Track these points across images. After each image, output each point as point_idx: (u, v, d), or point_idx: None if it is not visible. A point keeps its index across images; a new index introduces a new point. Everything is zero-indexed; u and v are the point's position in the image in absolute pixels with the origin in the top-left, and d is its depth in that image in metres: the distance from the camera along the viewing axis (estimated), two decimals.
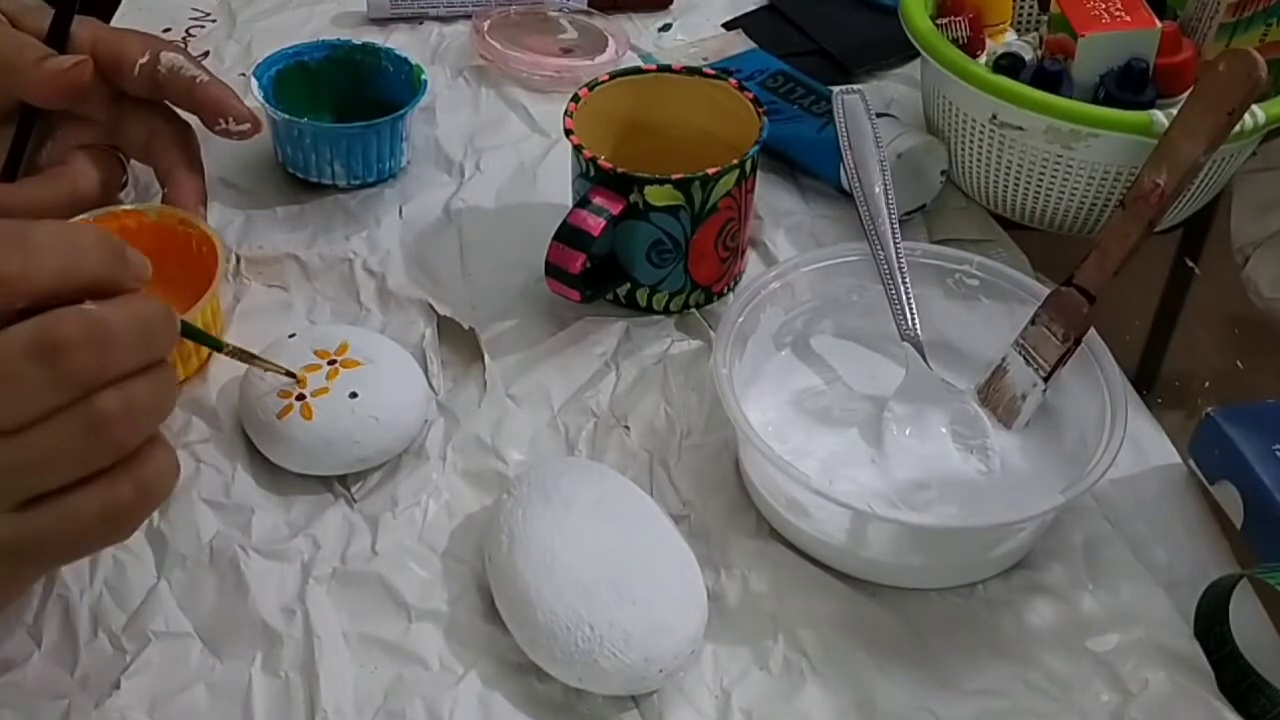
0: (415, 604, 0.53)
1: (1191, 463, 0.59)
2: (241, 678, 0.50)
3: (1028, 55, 0.70)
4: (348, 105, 0.76)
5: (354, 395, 0.57)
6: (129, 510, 0.41)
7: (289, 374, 0.57)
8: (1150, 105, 0.65)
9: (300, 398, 0.57)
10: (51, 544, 0.40)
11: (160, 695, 0.50)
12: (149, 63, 0.65)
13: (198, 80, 0.65)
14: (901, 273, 0.60)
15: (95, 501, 0.40)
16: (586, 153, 0.63)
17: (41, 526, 0.39)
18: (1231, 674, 0.51)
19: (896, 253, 0.61)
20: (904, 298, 0.60)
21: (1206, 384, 0.67)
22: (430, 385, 0.62)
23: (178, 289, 0.63)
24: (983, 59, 0.71)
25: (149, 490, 0.41)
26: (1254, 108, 0.63)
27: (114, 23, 0.89)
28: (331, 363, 0.59)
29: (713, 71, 0.68)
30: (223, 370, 0.63)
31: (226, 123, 0.66)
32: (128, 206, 0.65)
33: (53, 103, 0.64)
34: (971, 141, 0.70)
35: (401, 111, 0.72)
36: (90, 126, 0.67)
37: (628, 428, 0.61)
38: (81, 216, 0.63)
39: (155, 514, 0.56)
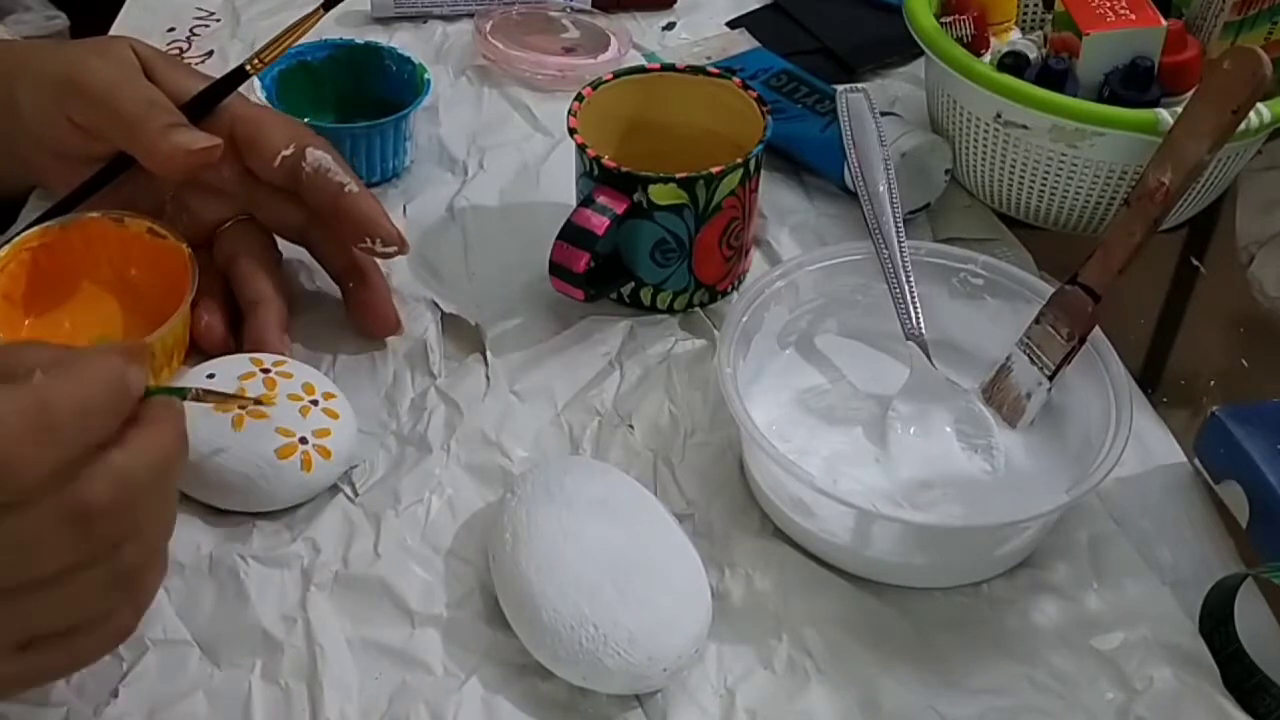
0: (418, 609, 0.53)
1: (1196, 462, 0.59)
2: (241, 685, 0.50)
3: (1032, 54, 0.70)
4: (351, 105, 0.76)
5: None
6: (127, 632, 0.43)
7: (256, 401, 0.55)
8: (1155, 103, 0.65)
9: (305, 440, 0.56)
10: (52, 673, 0.42)
11: (158, 703, 0.49)
12: (293, 156, 0.61)
13: (346, 190, 0.61)
14: (906, 271, 0.60)
15: (99, 634, 0.42)
16: (590, 152, 0.63)
17: (45, 662, 0.41)
18: (1237, 673, 0.51)
19: (901, 251, 0.61)
20: (908, 296, 0.60)
21: (1211, 383, 0.66)
22: (432, 371, 0.63)
23: (144, 298, 0.62)
24: (987, 57, 0.71)
25: (143, 609, 0.43)
26: (1259, 106, 0.62)
27: (118, 22, 0.89)
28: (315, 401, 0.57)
29: (716, 70, 0.68)
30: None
31: (372, 243, 0.61)
32: (94, 215, 0.61)
33: (166, 175, 0.59)
34: (976, 140, 0.70)
35: (404, 112, 0.72)
36: (226, 200, 0.63)
37: (632, 426, 0.61)
38: (45, 225, 0.60)
39: None
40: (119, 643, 0.43)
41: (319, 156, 0.61)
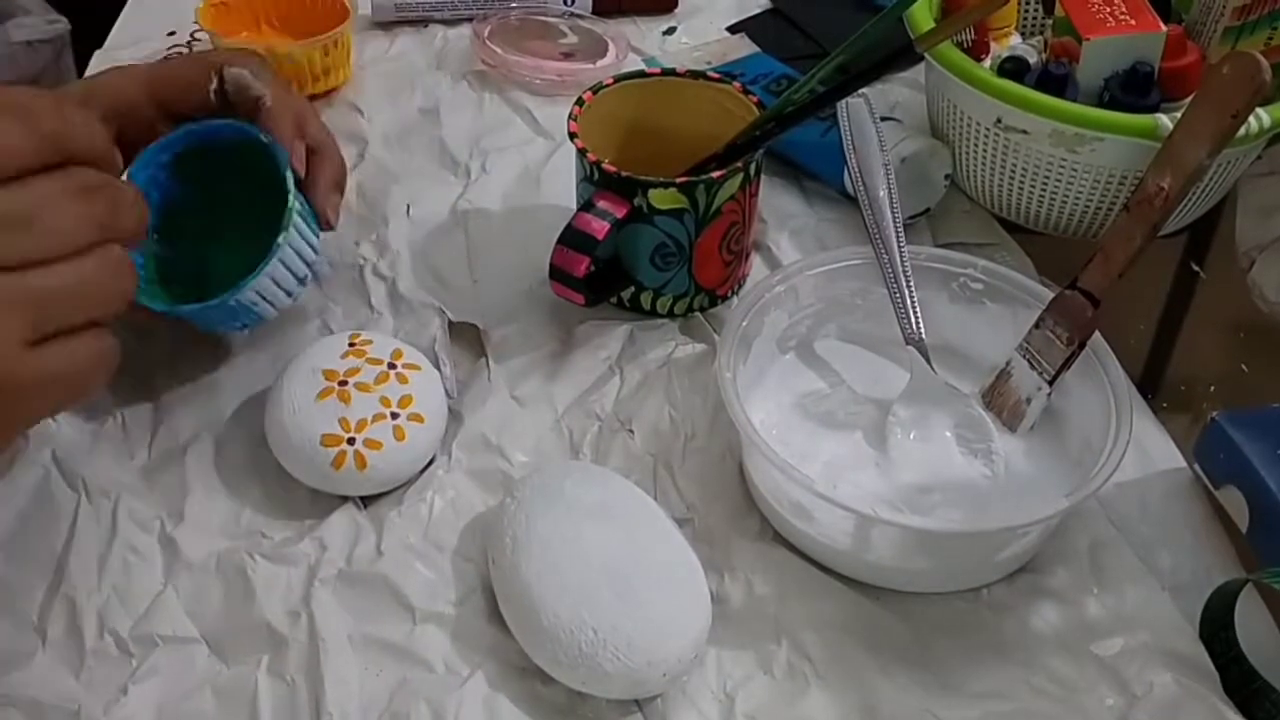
0: (420, 606, 0.53)
1: (1196, 467, 0.59)
2: (248, 682, 0.50)
3: (1032, 59, 0.70)
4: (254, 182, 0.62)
5: (398, 432, 0.57)
6: (110, 358, 0.47)
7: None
8: (1155, 109, 0.65)
9: (351, 441, 0.56)
10: (54, 383, 0.45)
11: (167, 700, 0.50)
12: (218, 86, 0.61)
13: (262, 102, 0.61)
14: (906, 276, 0.60)
15: (93, 345, 0.45)
16: (590, 156, 0.63)
17: (49, 364, 0.44)
18: (1237, 678, 0.51)
19: (901, 256, 0.61)
20: (908, 301, 0.60)
21: (1211, 388, 0.66)
22: (446, 390, 0.61)
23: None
24: (987, 63, 0.71)
25: (116, 348, 0.47)
26: (1259, 111, 0.62)
27: (118, 26, 0.90)
28: (391, 366, 0.59)
29: (717, 75, 0.68)
30: (238, 386, 0.63)
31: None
32: None
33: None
34: (976, 145, 0.70)
35: (237, 287, 0.58)
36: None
37: (632, 431, 0.61)
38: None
39: (166, 520, 0.56)
40: (106, 371, 0.46)
41: (235, 74, 0.62)
